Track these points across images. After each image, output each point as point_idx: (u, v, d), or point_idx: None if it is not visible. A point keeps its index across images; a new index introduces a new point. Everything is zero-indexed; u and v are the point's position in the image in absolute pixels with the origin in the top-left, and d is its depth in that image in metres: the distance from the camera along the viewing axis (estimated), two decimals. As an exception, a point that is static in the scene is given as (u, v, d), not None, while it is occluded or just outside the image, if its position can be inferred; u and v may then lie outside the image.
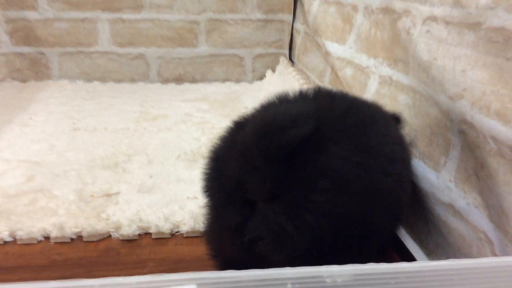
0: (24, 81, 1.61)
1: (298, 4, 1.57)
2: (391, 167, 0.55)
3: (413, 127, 0.73)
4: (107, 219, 0.77)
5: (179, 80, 1.68)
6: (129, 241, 0.74)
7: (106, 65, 1.63)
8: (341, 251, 0.50)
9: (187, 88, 1.62)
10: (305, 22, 1.46)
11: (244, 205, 0.51)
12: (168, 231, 0.75)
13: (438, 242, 0.67)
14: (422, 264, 0.41)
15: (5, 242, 0.73)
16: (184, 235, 0.75)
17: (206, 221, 0.60)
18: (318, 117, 0.51)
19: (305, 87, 1.36)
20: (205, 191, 0.57)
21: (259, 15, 1.64)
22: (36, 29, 1.57)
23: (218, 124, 1.22)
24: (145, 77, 1.66)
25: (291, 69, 1.48)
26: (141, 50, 1.63)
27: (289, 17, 1.63)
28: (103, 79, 1.64)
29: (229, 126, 0.60)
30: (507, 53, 0.51)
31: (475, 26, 0.58)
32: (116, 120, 1.25)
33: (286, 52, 1.68)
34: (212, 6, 1.60)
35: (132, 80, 1.65)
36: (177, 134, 1.16)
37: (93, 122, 1.24)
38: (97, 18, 1.58)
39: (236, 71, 1.70)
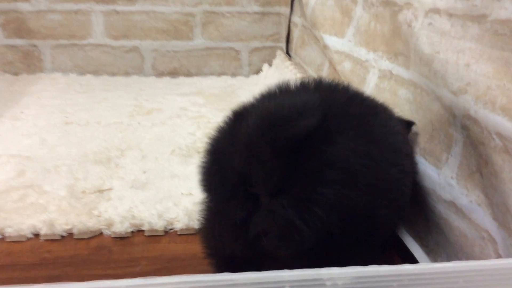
0: (16, 74, 1.58)
1: (296, -3, 1.55)
2: (396, 158, 0.54)
3: (414, 121, 0.72)
4: (98, 216, 0.75)
5: (174, 73, 1.65)
6: (121, 239, 0.72)
7: (99, 58, 1.61)
8: (348, 245, 0.48)
9: (182, 81, 1.59)
10: (303, 15, 1.44)
11: (248, 200, 0.49)
12: (162, 229, 0.73)
13: (438, 241, 0.65)
14: (426, 266, 0.39)
15: (-7, 240, 0.70)
16: (178, 233, 0.74)
17: (202, 218, 0.58)
18: (322, 107, 0.49)
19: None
20: (204, 186, 0.55)
21: (255, 8, 1.61)
22: (29, 21, 1.54)
23: (214, 118, 1.20)
24: (139, 71, 1.64)
25: (288, 63, 1.46)
26: (135, 42, 1.60)
27: (286, 10, 1.61)
28: (96, 72, 1.61)
29: (228, 117, 0.57)
30: (515, 46, 0.49)
31: (480, 18, 0.56)
32: (109, 114, 1.23)
33: (283, 45, 1.66)
34: (208, -2, 1.58)
35: (126, 74, 1.63)
36: (171, 129, 1.14)
37: (86, 116, 1.21)
38: (90, 10, 1.55)
39: (232, 64, 1.67)
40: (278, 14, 1.63)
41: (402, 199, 0.56)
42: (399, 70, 0.78)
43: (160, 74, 1.64)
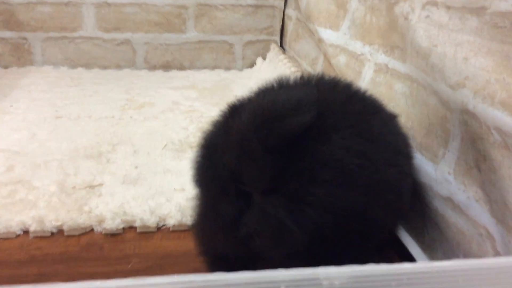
0: (5, 67, 1.55)
1: (290, -10, 1.53)
2: (395, 158, 0.52)
3: (410, 117, 0.71)
4: (89, 212, 0.73)
5: (166, 67, 1.63)
6: (112, 235, 0.71)
7: (91, 51, 1.58)
8: (341, 247, 0.47)
9: (175, 75, 1.57)
10: (297, 7, 1.42)
11: (239, 197, 0.48)
12: (154, 225, 0.72)
13: (435, 237, 0.64)
14: (425, 265, 0.38)
15: (-19, 237, 0.69)
16: (171, 229, 0.72)
17: (195, 214, 0.56)
18: (320, 104, 0.48)
19: (296, 75, 1.33)
20: (196, 181, 0.54)
21: (249, 1, 1.59)
22: (18, 13, 1.51)
23: (207, 112, 1.18)
24: (131, 64, 1.61)
25: (282, 56, 1.44)
26: (127, 35, 1.58)
27: (280, 3, 1.59)
28: (87, 66, 1.59)
29: (223, 111, 0.56)
30: (516, 39, 0.48)
31: (479, 10, 0.54)
32: (100, 108, 1.21)
33: (277, 39, 1.64)
34: (201, -10, 1.56)
35: (118, 67, 1.60)
36: (164, 123, 1.12)
37: (76, 110, 1.19)
38: (81, 2, 1.52)
39: (225, 58, 1.66)
40: (272, 7, 1.61)
41: (400, 201, 0.54)
42: (395, 63, 0.77)
43: (152, 67, 1.62)
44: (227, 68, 1.65)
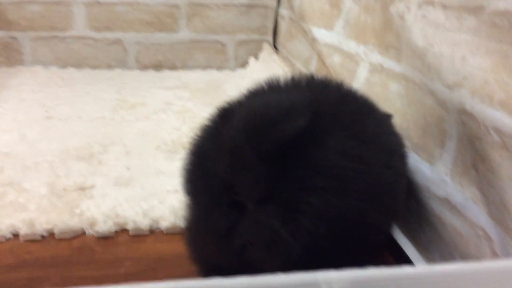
0: (-6, 67, 1.53)
1: (283, -11, 1.52)
2: (390, 160, 0.51)
3: (405, 117, 0.70)
4: (81, 215, 0.72)
5: (158, 66, 1.61)
6: (104, 238, 0.69)
7: (81, 50, 1.56)
8: (337, 255, 0.46)
9: (167, 75, 1.56)
10: (290, 7, 1.41)
11: (232, 207, 0.46)
12: (147, 227, 0.71)
13: (431, 239, 0.64)
14: (425, 268, 0.38)
15: (-30, 241, 0.67)
16: (164, 232, 0.71)
17: (187, 224, 0.55)
18: (312, 106, 0.46)
19: (289, 75, 1.32)
20: (187, 190, 0.52)
21: (242, 0, 1.58)
22: (8, 12, 1.48)
23: (200, 113, 1.17)
24: (122, 64, 1.59)
25: (275, 56, 1.44)
26: (118, 35, 1.56)
27: (273, 2, 1.58)
28: (78, 65, 1.57)
29: (213, 115, 0.54)
30: (514, 38, 0.47)
31: (476, 10, 0.54)
32: (91, 109, 1.19)
33: (270, 38, 1.63)
34: (193, -10, 1.55)
35: (109, 67, 1.58)
36: (156, 124, 1.11)
37: (67, 110, 1.18)
38: (72, 1, 1.50)
39: (218, 58, 1.64)
40: (265, 6, 1.60)
41: (396, 203, 0.54)
42: (390, 63, 0.77)
43: (144, 67, 1.60)
44: (220, 68, 1.64)
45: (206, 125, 0.54)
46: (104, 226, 0.70)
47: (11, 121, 1.08)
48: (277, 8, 1.58)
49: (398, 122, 0.69)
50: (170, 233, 0.71)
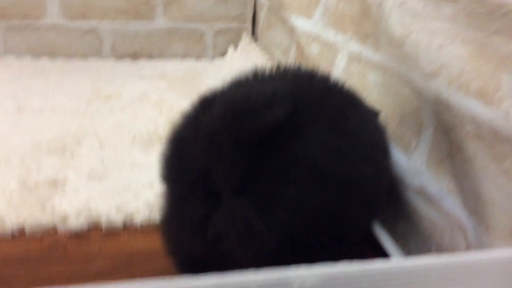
0: (-36, 57, 1.48)
1: (261, -23, 1.50)
2: (372, 154, 0.50)
3: (383, 107, 0.69)
4: (52, 210, 0.70)
5: (134, 56, 1.57)
6: (77, 234, 0.67)
7: (55, 39, 1.51)
8: (314, 250, 0.45)
9: (144, 65, 1.52)
10: (269, -5, 1.39)
11: (208, 196, 0.45)
12: (121, 222, 0.69)
13: (407, 229, 0.63)
14: (397, 262, 0.37)
15: None
16: (138, 227, 0.69)
17: (162, 213, 0.54)
18: (296, 98, 0.46)
19: (269, 64, 1.31)
20: (163, 178, 0.51)
21: (220, -13, 1.55)
22: (-23, 0, 1.43)
23: (177, 103, 1.15)
24: (98, 53, 1.55)
25: (254, 45, 1.42)
26: (93, 23, 1.52)
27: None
28: (52, 55, 1.52)
29: (194, 103, 0.53)
30: (491, 27, 0.46)
31: (453, -3, 0.53)
32: (65, 100, 1.15)
33: (249, 26, 1.61)
34: (170, -23, 1.51)
35: (84, 56, 1.54)
36: (132, 115, 1.08)
37: (40, 102, 1.14)
38: (45, -12, 1.45)
39: (196, 47, 1.61)
40: (243, -6, 1.58)
41: (377, 198, 0.53)
42: (368, 53, 0.76)
43: (120, 56, 1.56)
44: (198, 57, 1.61)
45: (187, 113, 0.53)
46: (76, 221, 0.68)
47: (-20, 114, 1.05)
48: (256, -4, 1.56)
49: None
50: (145, 228, 0.69)
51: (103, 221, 0.69)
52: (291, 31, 1.16)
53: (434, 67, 0.55)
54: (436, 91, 0.54)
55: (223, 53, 1.62)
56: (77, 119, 1.04)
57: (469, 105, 0.49)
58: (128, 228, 0.69)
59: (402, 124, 0.64)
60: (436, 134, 0.57)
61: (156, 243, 0.63)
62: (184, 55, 1.61)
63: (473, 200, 0.50)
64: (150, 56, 1.58)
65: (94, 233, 0.68)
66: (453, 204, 0.54)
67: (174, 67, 1.51)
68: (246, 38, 1.55)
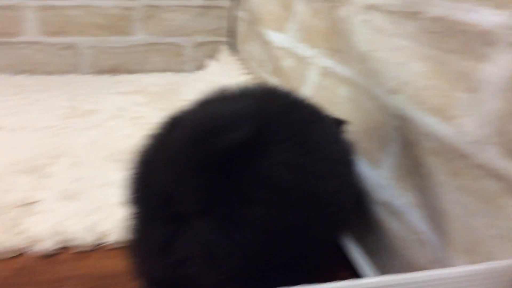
0: None
1: (239, -10, 1.51)
2: (335, 169, 0.51)
3: (353, 121, 0.70)
4: (22, 233, 0.69)
5: (114, 71, 1.57)
6: (47, 257, 0.66)
7: (33, 56, 1.50)
8: (281, 269, 0.45)
9: (123, 79, 1.52)
10: (247, 9, 1.40)
11: (172, 219, 0.45)
12: (92, 243, 0.68)
13: (375, 243, 0.64)
14: (354, 282, 0.37)
15: None
16: (110, 248, 0.69)
17: (130, 234, 0.54)
18: (259, 116, 0.46)
19: (247, 77, 1.31)
20: (130, 201, 0.51)
21: (198, 1, 1.56)
22: (-46, 17, 1.42)
23: (155, 118, 1.13)
24: (76, 69, 1.54)
25: (232, 58, 1.42)
26: (72, 39, 1.51)
27: (227, 3, 1.56)
28: (30, 72, 1.51)
29: (164, 122, 0.53)
30: (448, 45, 0.47)
31: (414, 15, 0.54)
32: (41, 117, 1.15)
33: (228, 40, 1.62)
34: (148, -8, 1.51)
35: (63, 72, 1.53)
36: (108, 131, 1.07)
37: (17, 120, 1.13)
38: (23, 5, 1.44)
39: (175, 60, 1.61)
40: (221, 7, 1.59)
41: (343, 212, 0.53)
42: (338, 68, 0.77)
43: (99, 72, 1.56)
44: (177, 71, 1.61)
45: (154, 134, 0.52)
46: (47, 244, 0.67)
47: (-46, 134, 1.03)
48: (233, 9, 1.57)
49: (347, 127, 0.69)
50: (116, 249, 0.69)
51: (74, 242, 0.68)
52: (267, 45, 1.16)
53: (396, 83, 0.56)
54: (399, 107, 0.55)
55: (202, 67, 1.62)
56: (52, 137, 1.04)
57: (428, 121, 0.50)
58: (99, 249, 0.68)
59: (370, 138, 0.65)
60: (400, 149, 0.57)
61: (126, 263, 0.62)
62: (164, 69, 1.61)
63: (435, 215, 0.51)
64: (129, 71, 1.58)
65: (64, 254, 0.67)
66: (417, 218, 0.54)
67: (153, 81, 1.51)
68: (224, 52, 1.55)
